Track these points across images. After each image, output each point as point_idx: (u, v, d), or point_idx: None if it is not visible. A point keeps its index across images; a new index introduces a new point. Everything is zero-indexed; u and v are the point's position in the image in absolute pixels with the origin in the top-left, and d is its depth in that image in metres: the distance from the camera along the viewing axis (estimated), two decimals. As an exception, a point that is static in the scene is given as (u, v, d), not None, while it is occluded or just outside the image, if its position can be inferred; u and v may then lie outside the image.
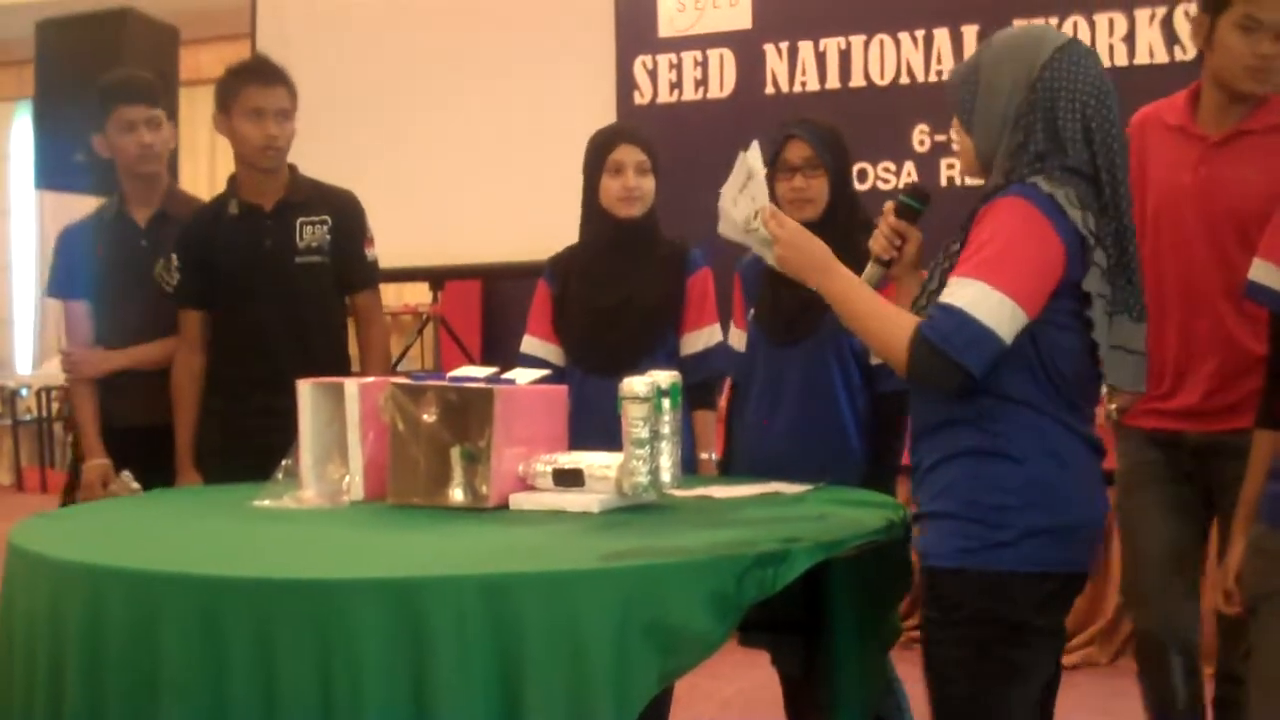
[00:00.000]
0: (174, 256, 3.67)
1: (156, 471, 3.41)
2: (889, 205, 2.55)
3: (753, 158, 2.55)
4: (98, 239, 3.88)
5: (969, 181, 2.58)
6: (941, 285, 2.28)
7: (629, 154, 3.34)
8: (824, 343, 3.07)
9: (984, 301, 2.18)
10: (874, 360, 3.08)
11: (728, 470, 3.26)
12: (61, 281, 3.93)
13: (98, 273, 3.84)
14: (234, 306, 3.64)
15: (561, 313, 3.41)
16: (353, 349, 3.76)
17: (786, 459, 3.04)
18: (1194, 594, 3.08)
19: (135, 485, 3.57)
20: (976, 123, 2.37)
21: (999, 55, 2.36)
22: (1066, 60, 2.32)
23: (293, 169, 3.68)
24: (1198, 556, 3.08)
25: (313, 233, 3.60)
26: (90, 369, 3.81)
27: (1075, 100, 2.30)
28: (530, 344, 3.45)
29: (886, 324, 2.28)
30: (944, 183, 5.98)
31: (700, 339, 3.35)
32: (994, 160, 2.35)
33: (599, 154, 3.37)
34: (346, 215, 3.68)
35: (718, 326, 3.37)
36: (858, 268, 2.46)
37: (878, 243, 2.53)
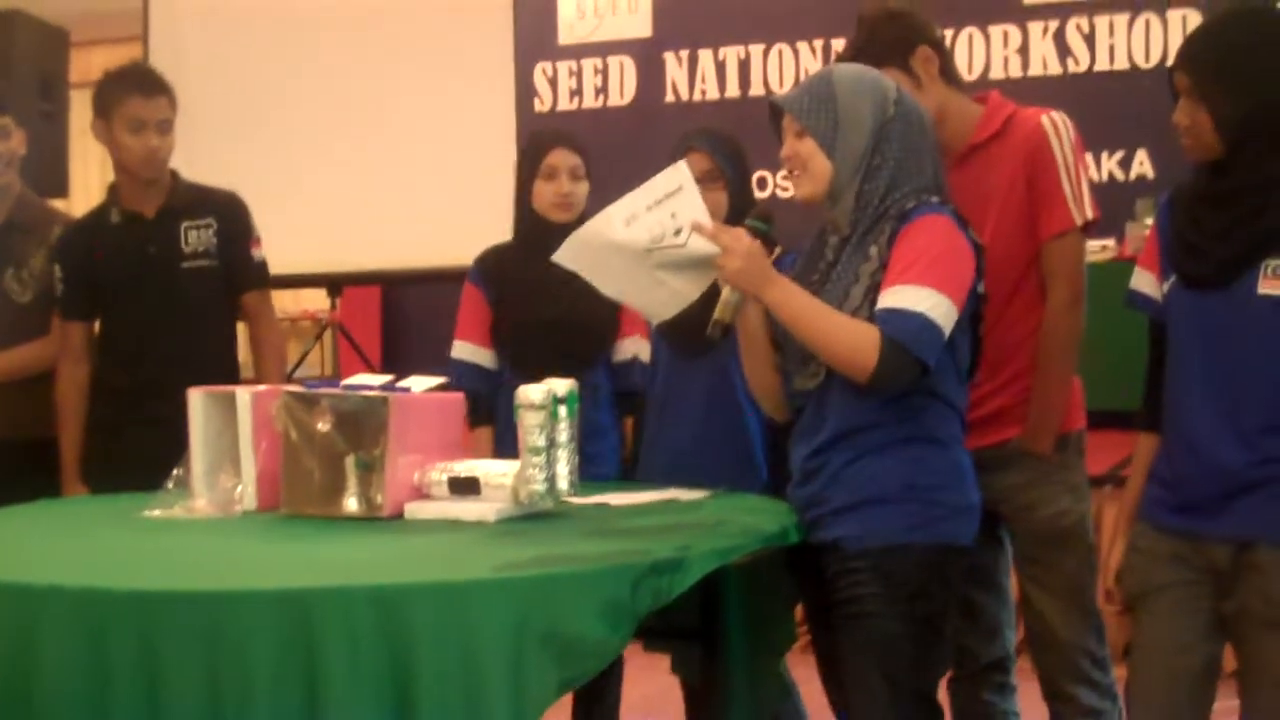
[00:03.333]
0: (55, 267, 3.60)
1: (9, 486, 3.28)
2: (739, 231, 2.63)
3: (683, 174, 2.61)
4: None
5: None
6: (866, 301, 2.46)
7: (563, 158, 3.32)
8: (729, 353, 3.06)
9: (936, 305, 2.40)
10: None
11: (633, 479, 3.25)
12: None
13: None
14: (120, 315, 3.58)
15: (500, 320, 3.37)
16: (245, 353, 3.71)
17: (691, 470, 3.03)
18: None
19: None
20: (840, 150, 2.53)
21: (853, 90, 2.55)
22: (908, 99, 2.59)
23: (174, 174, 3.62)
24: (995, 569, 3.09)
25: (198, 237, 3.55)
26: None
27: (924, 132, 2.58)
28: (464, 349, 3.39)
29: (848, 331, 2.45)
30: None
31: (629, 347, 3.37)
32: (845, 187, 2.53)
33: (533, 158, 3.34)
34: (231, 216, 3.63)
35: (642, 339, 3.37)
36: None
37: None
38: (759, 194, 6.08)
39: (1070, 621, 2.91)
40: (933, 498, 2.48)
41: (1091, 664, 2.91)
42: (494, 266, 3.42)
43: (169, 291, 3.52)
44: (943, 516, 2.49)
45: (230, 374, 3.51)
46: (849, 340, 2.43)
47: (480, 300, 3.41)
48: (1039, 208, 2.89)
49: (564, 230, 3.24)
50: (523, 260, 3.32)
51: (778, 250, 2.77)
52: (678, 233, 2.58)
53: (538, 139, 3.41)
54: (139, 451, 3.17)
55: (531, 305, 3.30)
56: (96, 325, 3.65)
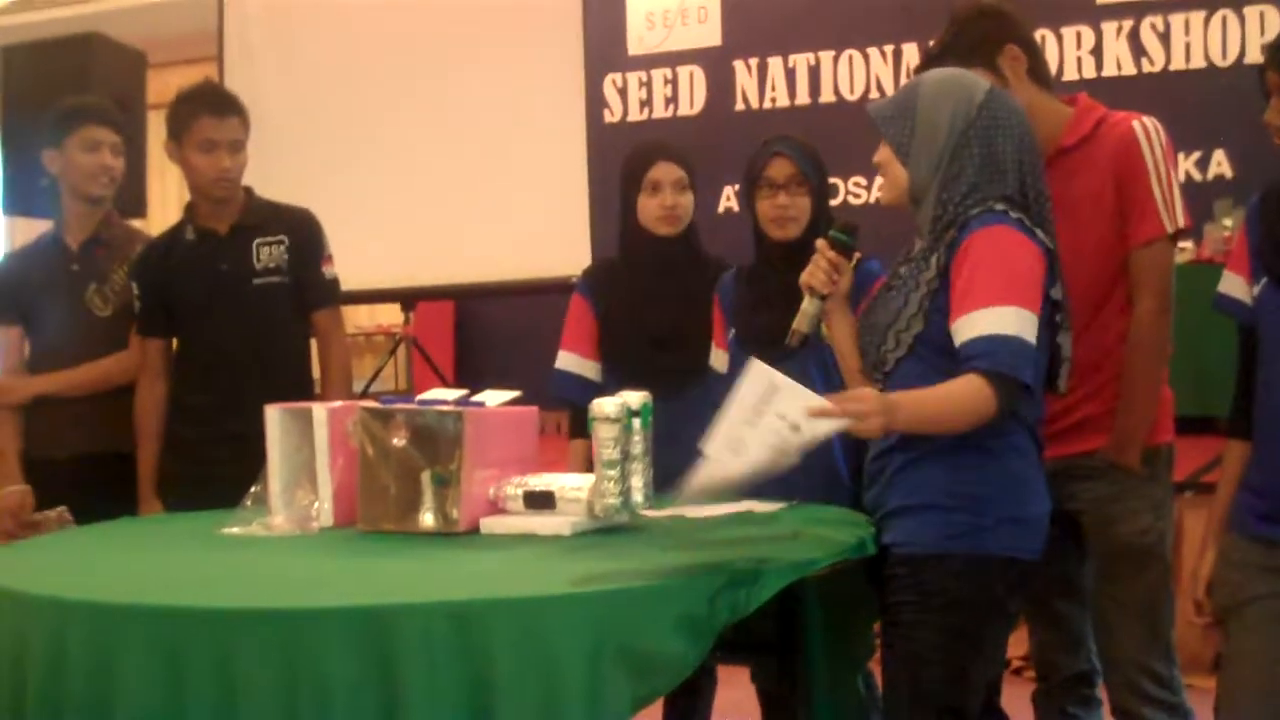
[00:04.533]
0: (133, 285, 3.65)
1: (84, 500, 3.33)
2: (822, 242, 2.63)
3: (764, 372, 2.32)
4: (31, 263, 3.86)
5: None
6: (921, 309, 2.43)
7: (666, 171, 3.31)
8: (806, 359, 3.03)
9: (1024, 323, 2.36)
10: None
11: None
12: None
13: (30, 298, 3.81)
14: (194, 332, 3.61)
15: (608, 333, 3.37)
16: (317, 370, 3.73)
17: (772, 482, 3.00)
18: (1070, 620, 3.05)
19: (69, 517, 3.52)
20: (915, 156, 2.51)
21: (936, 94, 2.52)
22: (998, 100, 2.53)
23: (248, 191, 3.64)
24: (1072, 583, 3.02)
25: (270, 253, 3.57)
26: (11, 396, 3.76)
27: (1011, 136, 2.50)
28: (568, 360, 3.42)
29: (961, 398, 2.36)
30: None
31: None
32: (924, 192, 2.50)
33: (636, 171, 3.33)
34: (303, 234, 3.64)
35: (719, 349, 3.32)
36: None
37: (816, 278, 2.62)
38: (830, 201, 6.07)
39: (1138, 640, 2.86)
40: (977, 508, 2.43)
41: (1156, 684, 2.85)
42: (602, 279, 3.43)
43: (240, 308, 3.55)
44: (987, 527, 2.42)
45: (304, 391, 3.53)
46: (968, 407, 2.35)
47: (587, 312, 3.41)
48: (1129, 214, 2.83)
49: (669, 244, 3.25)
50: (629, 275, 3.31)
51: (856, 257, 2.76)
52: (795, 428, 2.30)
53: (640, 153, 3.38)
54: (217, 469, 3.18)
55: (638, 320, 3.29)
56: (175, 343, 3.69)
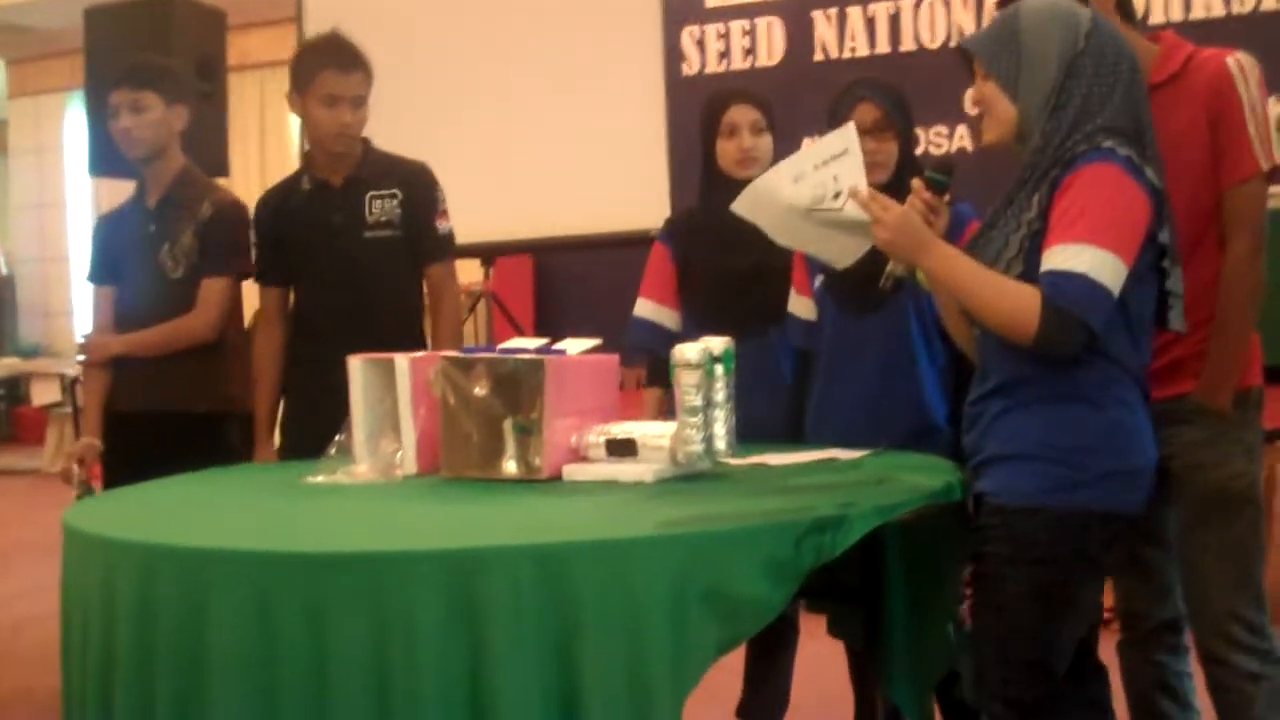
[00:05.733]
0: (251, 234, 3.67)
1: (160, 455, 3.34)
2: (917, 182, 2.59)
3: (851, 136, 2.60)
4: (119, 225, 3.90)
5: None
6: (1022, 250, 2.37)
7: (743, 114, 3.30)
8: (903, 308, 2.99)
9: (1101, 265, 2.28)
10: None
11: (801, 442, 3.19)
12: (92, 267, 3.96)
13: (116, 258, 3.86)
14: (307, 282, 3.62)
15: (687, 277, 3.37)
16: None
17: (868, 427, 2.97)
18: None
19: (96, 486, 3.57)
20: (1024, 91, 2.43)
21: (1040, 23, 2.43)
22: (1104, 28, 2.44)
23: (366, 143, 3.61)
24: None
25: (382, 207, 3.55)
26: (95, 354, 3.82)
27: (1120, 65, 2.41)
28: (645, 307, 3.42)
29: (1007, 295, 2.35)
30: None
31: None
32: (1033, 128, 2.42)
33: (713, 116, 3.32)
34: (417, 187, 3.61)
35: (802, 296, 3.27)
36: None
37: None
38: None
39: (1228, 586, 2.80)
40: (1075, 460, 2.37)
41: (1247, 630, 2.79)
42: (683, 226, 3.43)
43: (352, 260, 3.53)
44: (1084, 481, 2.36)
45: (415, 344, 3.48)
46: (1009, 305, 2.34)
47: (667, 258, 3.41)
48: (1223, 152, 2.75)
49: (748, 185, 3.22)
50: (710, 218, 3.29)
51: (946, 199, 2.71)
52: (836, 196, 2.59)
53: (716, 97, 3.37)
54: (328, 418, 3.13)
55: (722, 259, 3.27)
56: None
